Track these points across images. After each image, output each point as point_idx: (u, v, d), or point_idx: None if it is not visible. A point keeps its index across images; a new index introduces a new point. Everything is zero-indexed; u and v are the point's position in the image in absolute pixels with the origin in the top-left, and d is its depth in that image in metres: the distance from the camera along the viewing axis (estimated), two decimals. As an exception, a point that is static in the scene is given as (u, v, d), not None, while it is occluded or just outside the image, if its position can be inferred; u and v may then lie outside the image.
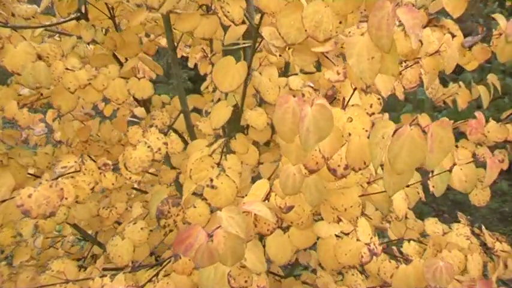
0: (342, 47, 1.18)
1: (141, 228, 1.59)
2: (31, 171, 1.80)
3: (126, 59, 1.88)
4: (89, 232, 2.27)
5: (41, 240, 2.11)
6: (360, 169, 0.98)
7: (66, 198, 1.24)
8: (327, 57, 1.23)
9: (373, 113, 1.22)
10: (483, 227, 1.79)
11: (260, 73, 1.57)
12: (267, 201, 1.24)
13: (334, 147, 0.96)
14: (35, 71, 1.45)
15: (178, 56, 3.16)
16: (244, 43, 1.85)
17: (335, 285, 1.50)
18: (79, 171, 1.32)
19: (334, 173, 1.02)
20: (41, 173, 1.88)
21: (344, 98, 1.16)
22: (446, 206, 4.88)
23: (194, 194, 1.59)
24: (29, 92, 1.70)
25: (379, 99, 1.23)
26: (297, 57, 1.26)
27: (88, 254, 2.30)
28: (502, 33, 1.47)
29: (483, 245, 1.77)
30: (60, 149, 2.14)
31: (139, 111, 2.34)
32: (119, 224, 2.10)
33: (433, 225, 1.74)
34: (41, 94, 1.74)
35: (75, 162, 1.33)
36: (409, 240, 1.57)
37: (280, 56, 1.63)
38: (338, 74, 1.15)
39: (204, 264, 0.94)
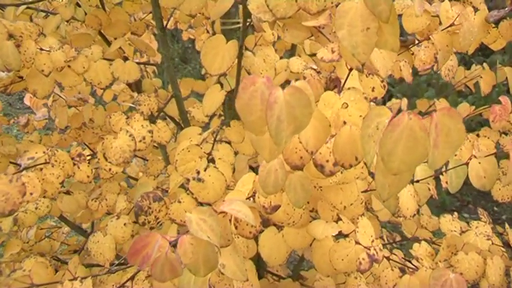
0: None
1: (124, 224, 1.46)
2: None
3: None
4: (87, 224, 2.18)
5: (34, 232, 2.01)
6: (350, 166, 0.82)
7: (30, 194, 1.11)
8: (322, 33, 1.06)
9: (376, 98, 1.05)
10: (507, 225, 1.60)
11: (254, 53, 1.41)
12: (252, 199, 1.08)
13: (320, 139, 0.80)
14: (1, 51, 1.32)
15: (185, 38, 3.02)
16: (243, 22, 1.69)
17: (335, 290, 1.35)
18: (48, 162, 1.19)
19: (321, 170, 0.86)
20: (25, 162, 1.77)
21: (340, 80, 0.99)
22: (471, 196, 4.63)
23: (182, 187, 1.45)
24: (6, 75, 1.57)
25: (382, 81, 1.06)
26: (289, 33, 1.09)
27: (84, 245, 2.20)
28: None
29: (507, 245, 1.59)
30: (51, 136, 2.02)
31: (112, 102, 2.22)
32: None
33: (449, 222, 1.56)
34: (20, 77, 1.61)
35: (44, 152, 1.19)
36: (420, 241, 1.40)
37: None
38: (333, 52, 0.98)
39: (165, 279, 0.80)
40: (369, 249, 1.08)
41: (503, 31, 1.44)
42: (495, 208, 4.85)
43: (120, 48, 1.68)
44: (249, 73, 1.39)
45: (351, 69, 0.93)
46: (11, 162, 1.63)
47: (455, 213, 1.61)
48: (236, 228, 1.03)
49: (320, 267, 1.18)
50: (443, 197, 4.27)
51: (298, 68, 1.54)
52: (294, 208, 1.08)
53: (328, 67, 1.28)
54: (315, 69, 1.50)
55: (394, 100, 2.21)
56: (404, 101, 1.63)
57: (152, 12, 1.54)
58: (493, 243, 1.49)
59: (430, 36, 1.05)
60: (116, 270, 1.35)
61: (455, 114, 0.66)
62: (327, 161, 0.85)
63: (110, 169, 1.37)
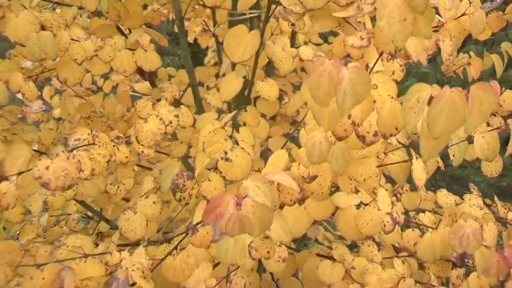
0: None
1: (154, 202, 1.55)
2: (35, 147, 1.76)
3: (130, 31, 1.83)
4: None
5: (46, 218, 2.08)
6: (391, 135, 0.96)
7: (82, 171, 1.20)
8: (349, 23, 1.19)
9: (396, 80, 1.19)
10: (495, 197, 1.78)
11: (273, 42, 1.53)
12: (287, 171, 1.21)
13: (365, 112, 0.93)
14: (40, 41, 1.40)
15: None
16: (251, 13, 1.80)
17: (351, 256, 1.49)
18: (93, 144, 1.28)
19: (363, 140, 0.99)
20: (46, 149, 1.84)
21: (367, 65, 1.12)
22: (444, 181, 4.90)
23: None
24: (32, 64, 1.64)
25: (401, 66, 1.20)
26: (317, 23, 1.22)
27: (94, 231, 2.28)
28: (520, -1, 1.44)
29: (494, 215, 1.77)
30: (64, 124, 2.09)
31: (140, 86, 2.29)
32: (126, 200, 2.08)
33: (445, 196, 1.73)
34: (44, 67, 1.68)
35: (88, 134, 1.28)
36: (424, 211, 1.56)
37: (292, 25, 1.58)
38: (362, 39, 1.12)
39: (234, 234, 0.92)
40: (391, 214, 1.23)
41: (490, 22, 1.61)
42: (466, 192, 5.15)
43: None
44: (270, 61, 1.51)
45: (380, 54, 1.07)
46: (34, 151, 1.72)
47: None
48: (279, 196, 1.16)
49: (346, 233, 1.32)
50: (419, 181, 4.49)
51: (307, 56, 1.67)
52: (325, 179, 1.22)
53: (341, 53, 1.42)
54: (324, 57, 1.63)
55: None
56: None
57: (172, 3, 1.64)
58: (485, 213, 1.66)
59: (444, 25, 1.20)
60: (149, 245, 1.46)
61: (487, 87, 0.81)
62: (368, 132, 0.99)
63: (142, 151, 1.46)
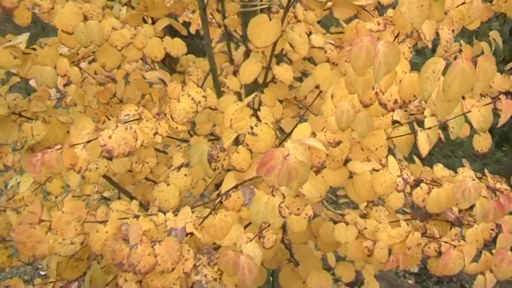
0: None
1: (185, 175, 1.73)
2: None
3: (152, 21, 2.00)
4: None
5: (70, 198, 2.23)
6: (409, 102, 1.15)
7: (137, 140, 1.37)
8: (366, 10, 1.38)
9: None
10: (486, 170, 2.00)
11: (291, 30, 1.71)
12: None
13: (389, 83, 1.13)
14: (87, 29, 1.55)
15: (181, 20, 3.26)
16: (261, 4, 1.99)
17: (362, 220, 1.68)
18: (140, 119, 1.45)
19: (384, 107, 1.19)
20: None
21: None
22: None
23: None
24: (69, 51, 1.79)
25: (409, 48, 1.40)
26: (338, 10, 1.41)
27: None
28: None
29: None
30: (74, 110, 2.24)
31: (150, 75, 2.45)
32: (147, 180, 2.24)
33: (441, 170, 1.94)
34: (77, 53, 1.83)
35: (136, 110, 1.45)
36: (425, 181, 1.76)
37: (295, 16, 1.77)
38: (379, 24, 1.31)
39: (283, 183, 1.10)
40: (402, 176, 1.43)
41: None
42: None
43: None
44: (291, 45, 1.69)
45: (396, 36, 1.27)
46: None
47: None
48: (309, 159, 1.34)
49: (361, 195, 1.51)
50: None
51: (319, 43, 1.85)
52: (346, 146, 1.41)
53: (352, 39, 1.61)
54: (332, 44, 1.84)
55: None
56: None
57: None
58: (478, 183, 1.88)
59: (447, 12, 1.40)
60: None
61: (490, 59, 1.01)
62: (389, 100, 1.18)
63: (176, 127, 1.63)
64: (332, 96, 1.25)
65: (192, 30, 2.73)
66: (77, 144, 1.31)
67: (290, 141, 1.19)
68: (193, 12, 2.79)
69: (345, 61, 1.45)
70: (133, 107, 1.45)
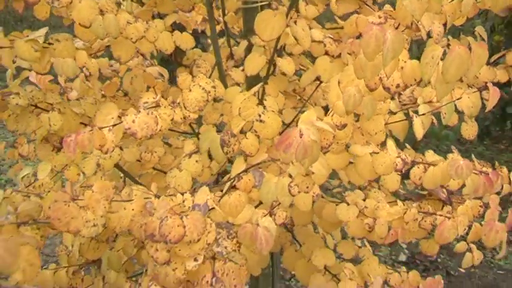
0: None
1: (196, 161, 1.84)
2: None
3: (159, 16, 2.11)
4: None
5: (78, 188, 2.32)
6: (411, 85, 1.29)
7: (157, 124, 1.48)
8: (367, 5, 1.52)
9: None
10: (473, 155, 2.16)
11: (295, 24, 1.84)
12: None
13: (392, 68, 1.26)
14: (104, 23, 1.66)
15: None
16: (261, 1, 2.11)
17: (362, 201, 1.82)
18: (158, 106, 1.56)
19: (388, 91, 1.32)
20: (89, 121, 2.09)
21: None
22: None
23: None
24: (83, 44, 1.89)
25: (406, 39, 1.53)
26: (341, 5, 1.54)
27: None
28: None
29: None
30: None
31: (151, 69, 2.55)
32: (154, 169, 2.34)
33: (432, 155, 2.08)
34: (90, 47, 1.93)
35: (154, 98, 1.56)
36: (421, 162, 1.90)
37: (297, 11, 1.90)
38: (380, 17, 1.44)
39: (300, 158, 1.22)
40: (401, 156, 1.56)
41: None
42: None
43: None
44: (295, 38, 1.82)
45: (397, 27, 1.40)
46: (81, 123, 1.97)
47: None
48: (318, 140, 1.47)
49: (363, 175, 1.65)
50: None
51: (318, 37, 1.99)
52: (350, 129, 1.54)
53: (352, 33, 1.74)
54: (331, 38, 1.97)
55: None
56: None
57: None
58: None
59: (441, 7, 1.54)
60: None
61: (483, 45, 1.15)
62: (392, 84, 1.32)
63: (189, 115, 1.74)
64: (339, 82, 1.38)
65: (189, 29, 2.83)
66: (105, 127, 1.41)
67: (302, 123, 1.32)
68: (190, 11, 2.90)
69: (348, 53, 1.59)
70: (151, 95, 1.56)
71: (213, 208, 1.42)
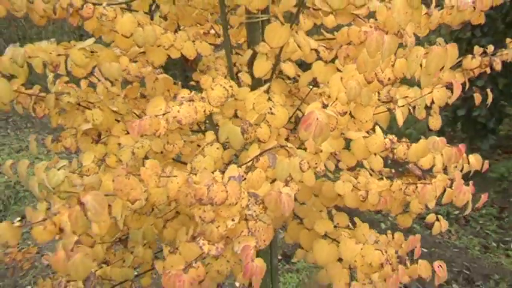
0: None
1: (217, 148, 2.19)
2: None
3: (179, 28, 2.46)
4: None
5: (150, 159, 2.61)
6: (401, 78, 1.69)
7: (196, 114, 1.82)
8: (360, 18, 1.91)
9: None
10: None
11: (297, 33, 2.22)
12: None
13: (386, 64, 1.65)
14: (144, 33, 2.00)
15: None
16: (262, 17, 2.49)
17: (355, 180, 2.20)
18: (192, 100, 1.90)
19: (381, 83, 1.71)
20: (121, 117, 2.41)
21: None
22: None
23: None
24: (120, 52, 2.21)
25: (392, 45, 1.94)
26: (339, 18, 1.93)
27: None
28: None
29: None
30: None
31: (162, 77, 2.89)
32: (174, 160, 2.66)
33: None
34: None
35: (189, 94, 1.91)
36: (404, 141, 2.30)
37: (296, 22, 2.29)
38: (371, 27, 1.84)
39: (317, 135, 1.59)
40: (389, 138, 1.96)
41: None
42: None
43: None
44: (298, 45, 2.20)
45: (386, 33, 1.80)
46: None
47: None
48: (326, 124, 1.84)
49: (357, 154, 2.03)
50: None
51: (314, 45, 2.38)
52: (348, 116, 1.92)
53: (344, 41, 2.13)
54: (325, 46, 2.37)
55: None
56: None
57: (219, 6, 2.29)
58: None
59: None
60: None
61: (455, 46, 1.55)
62: (384, 78, 1.71)
63: (213, 109, 2.09)
64: (342, 78, 1.77)
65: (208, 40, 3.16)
66: (159, 115, 1.75)
67: (311, 108, 1.69)
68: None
69: (343, 57, 1.98)
70: (186, 91, 1.91)
71: (244, 179, 1.76)
